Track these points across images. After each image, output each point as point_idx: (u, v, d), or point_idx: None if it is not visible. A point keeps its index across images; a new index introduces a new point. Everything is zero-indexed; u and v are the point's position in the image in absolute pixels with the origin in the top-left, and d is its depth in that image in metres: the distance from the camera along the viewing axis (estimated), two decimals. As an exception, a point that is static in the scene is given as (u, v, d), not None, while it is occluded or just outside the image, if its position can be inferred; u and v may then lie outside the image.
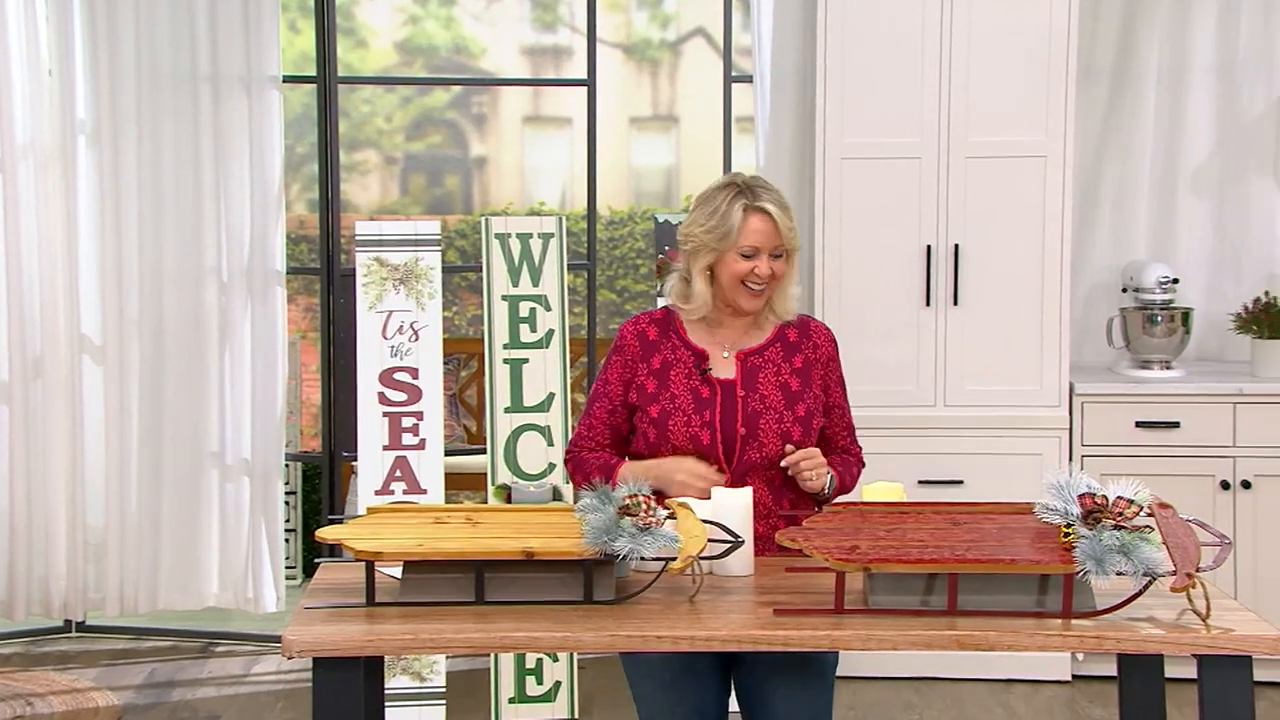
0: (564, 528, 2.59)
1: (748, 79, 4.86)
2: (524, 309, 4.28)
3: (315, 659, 2.43)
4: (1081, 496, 2.49)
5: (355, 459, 4.30)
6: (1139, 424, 4.41)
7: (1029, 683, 4.49)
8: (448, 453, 4.45)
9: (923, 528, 2.57)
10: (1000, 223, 4.40)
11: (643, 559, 2.50)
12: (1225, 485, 4.38)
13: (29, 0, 4.73)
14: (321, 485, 5.08)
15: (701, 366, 2.88)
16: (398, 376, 4.24)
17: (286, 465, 5.44)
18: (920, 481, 4.38)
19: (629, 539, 2.48)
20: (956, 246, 4.42)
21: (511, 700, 4.16)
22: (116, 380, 4.79)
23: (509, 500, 4.15)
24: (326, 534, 2.59)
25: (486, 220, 4.34)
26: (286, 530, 5.57)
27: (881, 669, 4.54)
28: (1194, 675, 2.42)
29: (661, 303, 3.11)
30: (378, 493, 4.20)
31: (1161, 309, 4.56)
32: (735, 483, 2.82)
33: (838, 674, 3.03)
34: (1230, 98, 4.78)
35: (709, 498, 2.71)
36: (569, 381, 4.30)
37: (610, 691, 4.51)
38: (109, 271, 4.78)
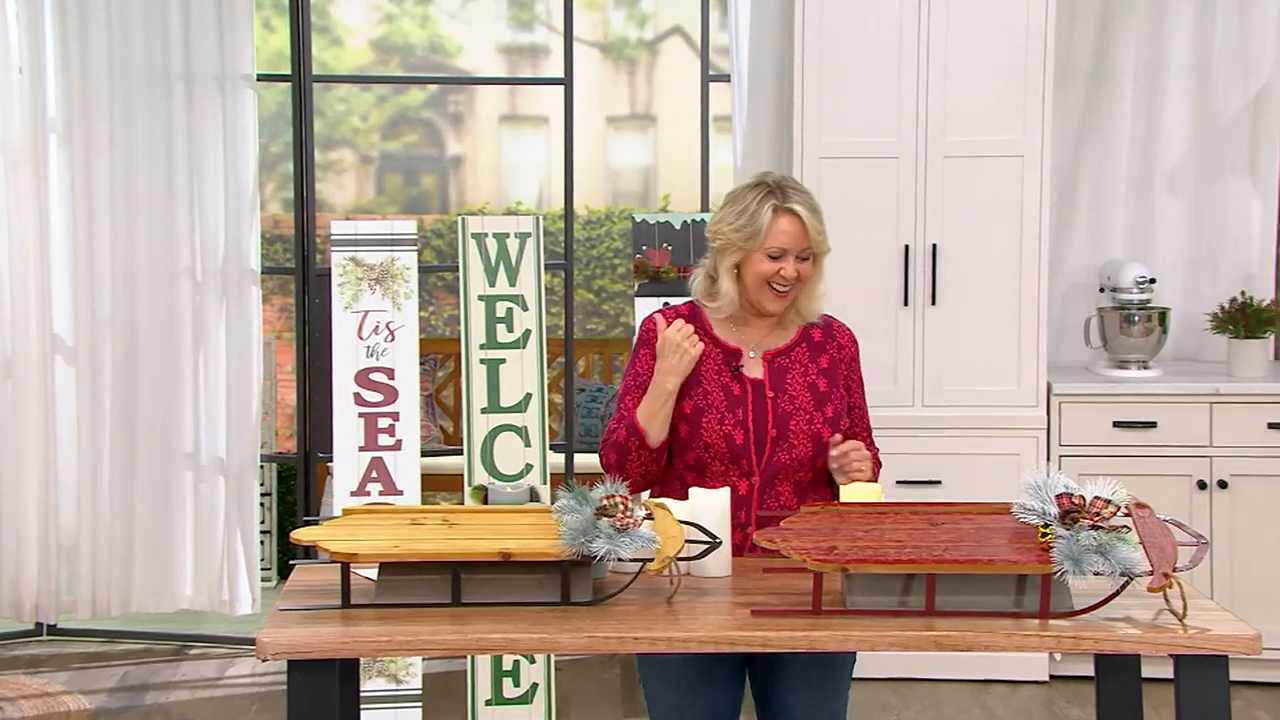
0: (541, 529, 2.58)
1: (725, 78, 4.85)
2: (501, 309, 4.27)
3: (290, 661, 2.41)
4: (1059, 496, 2.49)
5: (331, 460, 4.28)
6: (1116, 424, 4.42)
7: (1007, 683, 4.50)
8: (424, 454, 4.43)
9: (900, 528, 2.56)
10: (978, 222, 4.40)
11: (620, 560, 2.49)
12: (1202, 485, 4.39)
13: (0, -3, 4.70)
14: (297, 486, 5.05)
15: (733, 364, 2.86)
16: (374, 377, 4.21)
17: (261, 466, 5.40)
18: (898, 481, 4.37)
19: (606, 540, 2.47)
20: (934, 246, 4.42)
21: (488, 702, 4.14)
22: (89, 381, 4.76)
23: (486, 501, 4.12)
24: (302, 535, 2.57)
25: (463, 220, 4.32)
26: (261, 532, 5.52)
27: (859, 670, 4.50)
28: (1171, 675, 2.42)
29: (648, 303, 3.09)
30: (353, 494, 4.18)
31: (1139, 309, 4.57)
32: (764, 484, 2.81)
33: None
34: (1206, 97, 4.79)
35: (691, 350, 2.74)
36: (546, 382, 4.28)
37: (588, 693, 4.50)
38: (81, 271, 4.75)
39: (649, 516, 2.56)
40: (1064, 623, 2.45)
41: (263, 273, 4.84)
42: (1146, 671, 2.76)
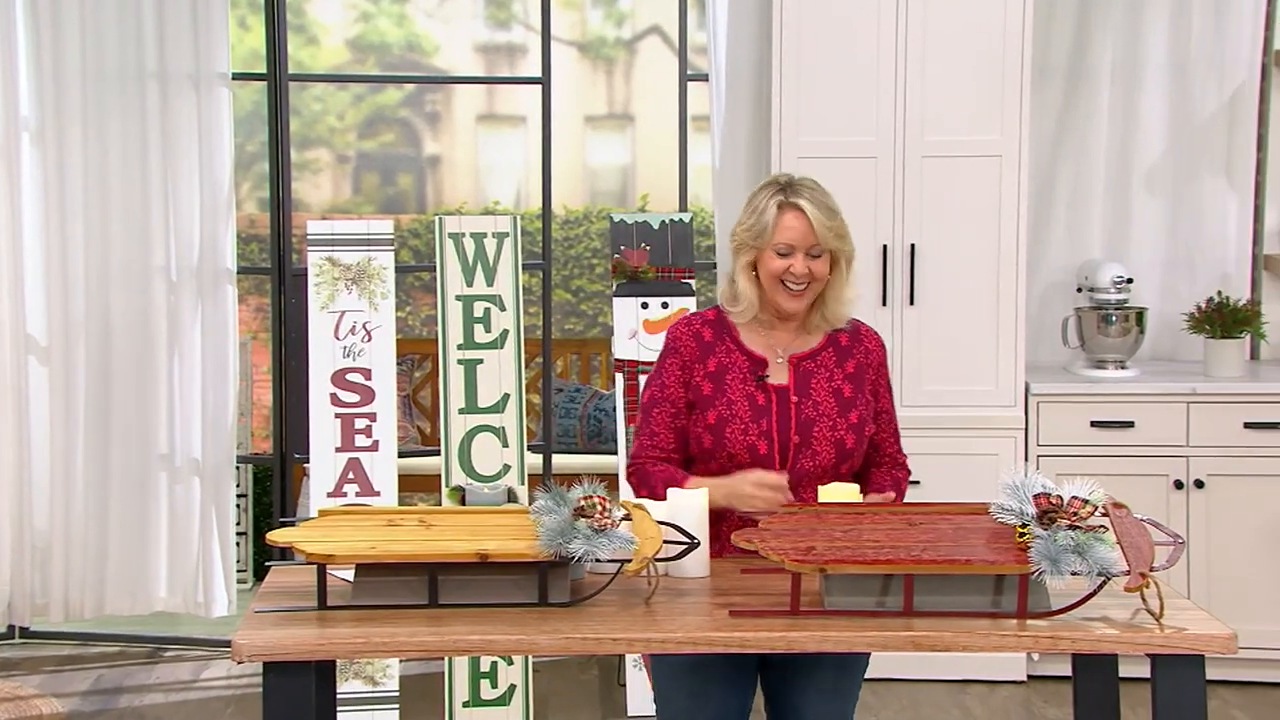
0: (519, 530, 2.57)
1: (703, 77, 4.85)
2: (478, 309, 4.25)
3: (266, 663, 2.40)
4: (1037, 497, 2.49)
5: (307, 461, 4.26)
6: (1094, 424, 4.43)
7: (985, 683, 4.51)
8: (401, 454, 4.41)
9: (878, 528, 2.56)
10: (956, 222, 4.41)
11: (598, 561, 2.48)
12: (1179, 485, 4.41)
13: (-28, -5, 4.66)
14: (273, 487, 5.03)
15: (759, 373, 2.84)
16: (350, 377, 4.19)
17: (237, 467, 5.38)
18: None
19: (584, 541, 2.46)
20: (913, 246, 4.42)
21: (466, 704, 4.13)
22: (62, 381, 4.72)
23: (463, 502, 4.11)
24: (278, 537, 2.55)
25: (440, 219, 4.31)
26: (237, 533, 5.50)
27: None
28: (1148, 674, 2.43)
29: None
30: (330, 495, 4.16)
31: (1116, 309, 4.58)
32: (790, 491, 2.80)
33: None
34: (1183, 97, 4.81)
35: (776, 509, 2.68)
36: (524, 382, 4.27)
37: (565, 694, 4.49)
38: (54, 271, 4.71)
39: (627, 517, 2.56)
40: (1042, 623, 2.45)
41: (238, 273, 4.81)
42: (1124, 671, 2.76)
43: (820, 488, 2.79)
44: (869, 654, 2.81)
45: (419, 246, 7.85)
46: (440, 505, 4.28)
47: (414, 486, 5.41)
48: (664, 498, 2.76)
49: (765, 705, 2.88)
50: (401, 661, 4.33)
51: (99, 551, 4.78)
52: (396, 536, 2.55)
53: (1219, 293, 4.68)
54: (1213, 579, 4.40)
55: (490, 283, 4.27)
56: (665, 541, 2.55)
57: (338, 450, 4.18)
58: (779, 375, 2.86)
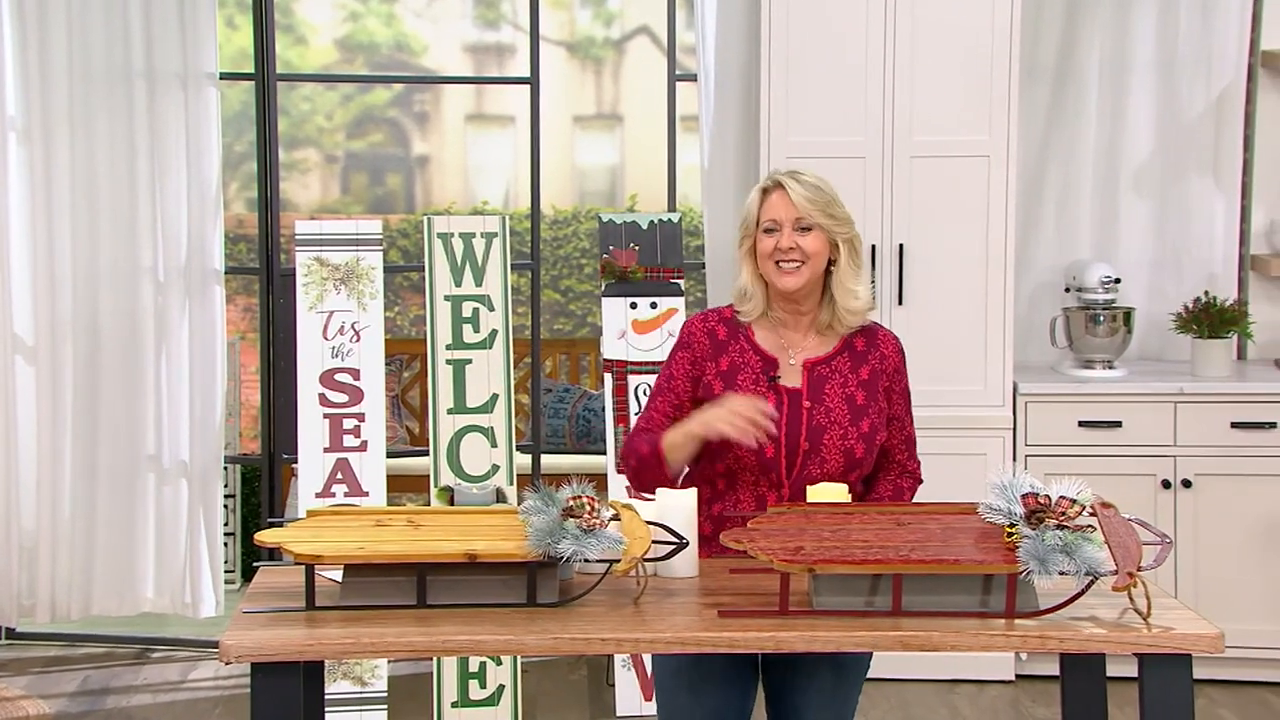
0: (507, 530, 2.57)
1: (692, 77, 4.85)
2: (467, 309, 4.25)
3: (254, 664, 2.40)
4: (1025, 496, 2.49)
5: (295, 461, 4.25)
6: (1082, 423, 4.44)
7: (973, 683, 4.51)
8: (390, 455, 4.41)
9: (867, 528, 2.56)
10: (944, 222, 4.41)
11: (587, 561, 2.48)
12: (1166, 484, 4.42)
13: (-41, -6, 4.64)
14: (261, 488, 5.02)
15: (771, 374, 2.84)
16: (339, 378, 4.19)
17: (225, 468, 5.37)
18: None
19: (573, 541, 2.46)
20: (901, 246, 4.43)
21: (454, 704, 4.12)
22: (49, 381, 4.71)
23: (451, 502, 4.11)
24: (266, 537, 2.55)
25: (429, 219, 4.30)
26: (225, 534, 5.49)
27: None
28: (1136, 674, 2.43)
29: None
30: (318, 495, 4.15)
31: (1104, 309, 4.59)
32: (793, 496, 2.79)
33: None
34: (1171, 97, 4.82)
35: (754, 441, 2.69)
36: (512, 382, 4.27)
37: (554, 694, 4.49)
38: (41, 271, 4.70)
39: (615, 517, 2.55)
40: (1030, 622, 2.46)
41: (226, 273, 4.80)
42: (1111, 670, 2.77)
43: (809, 488, 2.79)
44: (870, 657, 2.81)
45: (408, 246, 7.84)
46: (429, 505, 4.27)
47: (402, 487, 5.41)
48: (645, 452, 2.78)
49: (766, 706, 2.88)
50: (390, 662, 4.32)
51: (86, 552, 4.76)
52: (385, 537, 2.55)
53: (1206, 293, 4.69)
54: (1200, 579, 4.41)
55: (479, 283, 4.27)
56: (654, 541, 2.55)
57: (326, 450, 4.17)
58: (791, 378, 2.85)
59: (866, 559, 2.45)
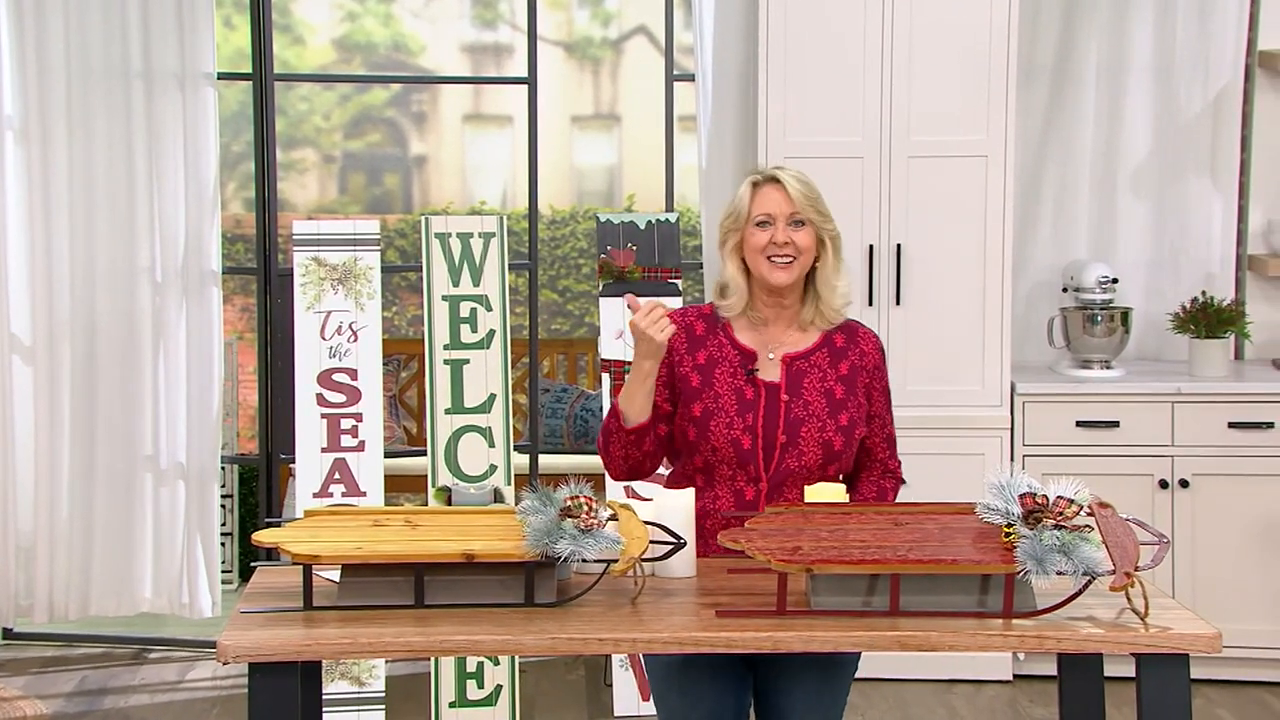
0: (505, 530, 2.56)
1: (690, 78, 4.85)
2: (465, 309, 4.25)
3: (251, 664, 2.39)
4: (1022, 496, 2.49)
5: (293, 461, 4.25)
6: (1079, 423, 4.44)
7: (971, 683, 4.51)
8: (387, 455, 4.40)
9: (865, 528, 2.56)
10: (942, 222, 4.41)
11: (584, 561, 2.48)
12: (1164, 484, 4.42)
13: (-44, -7, 4.64)
14: (259, 488, 5.02)
15: (748, 366, 2.84)
16: (336, 378, 4.19)
17: (223, 468, 5.37)
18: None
19: (570, 541, 2.46)
20: (899, 246, 4.43)
21: (452, 704, 4.12)
22: (47, 381, 4.70)
23: (449, 502, 4.11)
24: (263, 537, 2.55)
25: (426, 219, 4.30)
26: (223, 534, 5.49)
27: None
28: (1133, 674, 2.43)
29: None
30: (316, 495, 4.15)
31: (1101, 309, 4.59)
32: (771, 489, 2.80)
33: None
34: (1168, 98, 4.82)
35: (671, 328, 2.72)
36: (510, 382, 4.27)
37: (552, 695, 4.49)
38: (39, 270, 4.69)
39: (613, 517, 2.55)
40: (1027, 622, 2.46)
41: (224, 273, 4.80)
42: (1109, 670, 2.77)
43: (807, 488, 2.79)
44: (858, 657, 2.81)
45: (405, 246, 7.84)
46: (426, 505, 4.27)
47: (400, 487, 5.40)
48: (606, 421, 2.80)
49: (754, 707, 2.88)
50: (388, 662, 4.32)
51: (84, 552, 4.76)
52: (382, 537, 2.55)
53: (1204, 293, 4.70)
54: (1197, 578, 4.41)
55: (476, 283, 4.26)
56: (652, 541, 2.55)
57: (323, 450, 4.17)
58: (770, 372, 2.85)
59: (864, 559, 2.45)
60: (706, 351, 2.86)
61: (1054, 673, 2.86)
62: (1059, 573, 2.41)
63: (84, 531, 4.75)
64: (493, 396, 4.23)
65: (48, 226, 4.69)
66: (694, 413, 2.81)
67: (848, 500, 2.78)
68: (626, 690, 4.29)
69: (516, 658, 4.18)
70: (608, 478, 4.36)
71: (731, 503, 2.80)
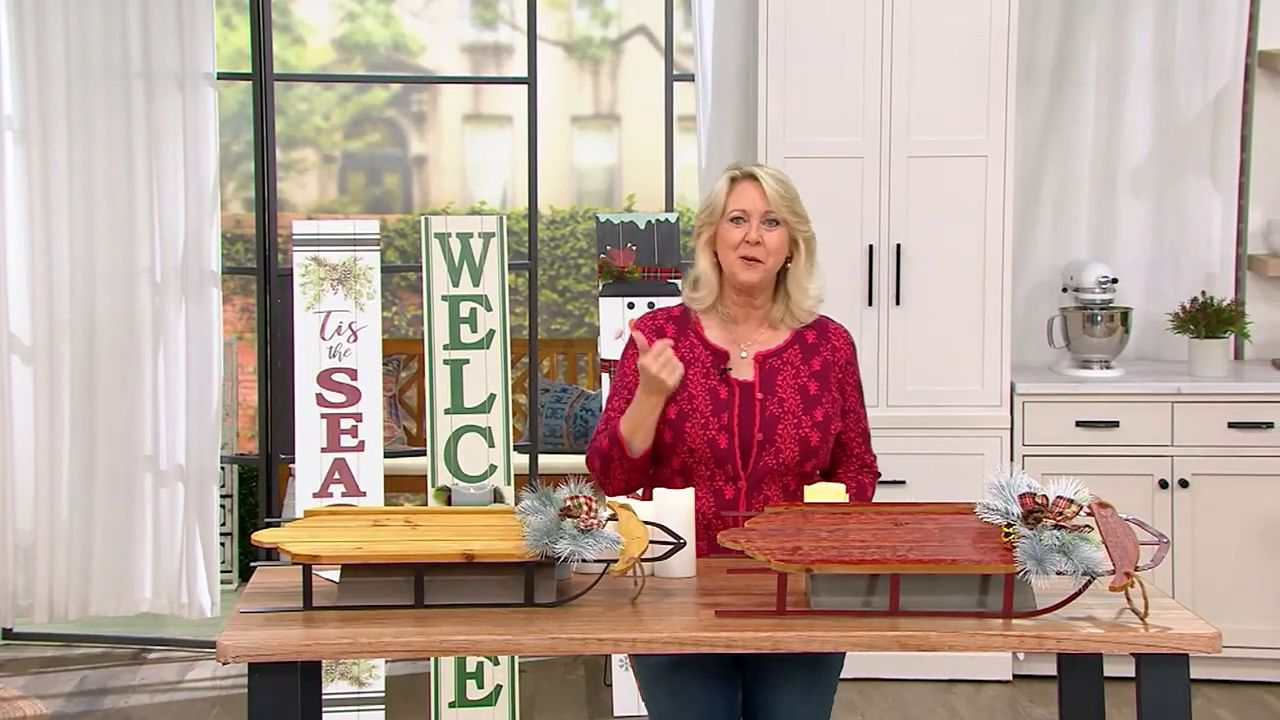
0: (505, 530, 2.56)
1: (690, 77, 4.85)
2: (464, 309, 4.25)
3: (251, 664, 2.39)
4: (1022, 496, 2.49)
5: (293, 461, 4.25)
6: (1079, 423, 4.44)
7: (971, 683, 4.51)
8: (387, 455, 4.40)
9: (865, 528, 2.56)
10: (942, 222, 4.41)
11: (584, 561, 2.48)
12: (1163, 484, 4.42)
13: (-44, -7, 4.64)
14: (258, 488, 5.02)
15: (721, 366, 2.84)
16: (336, 378, 4.19)
17: (223, 468, 5.37)
18: (862, 481, 4.37)
19: (570, 541, 2.46)
20: (899, 246, 4.43)
21: (452, 704, 4.12)
22: (47, 382, 4.70)
23: (449, 502, 4.11)
24: (263, 537, 2.55)
25: (426, 219, 4.30)
26: (223, 534, 5.49)
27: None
28: (1133, 674, 2.43)
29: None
30: (316, 495, 4.15)
31: (1101, 309, 4.59)
32: (750, 488, 2.80)
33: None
34: (1168, 98, 4.82)
35: (680, 371, 2.73)
36: (510, 382, 4.27)
37: (551, 695, 4.49)
38: (39, 271, 4.69)
39: (613, 517, 2.55)
40: (1027, 622, 2.46)
41: (224, 273, 4.80)
42: (1109, 670, 2.77)
43: (807, 488, 2.79)
44: (843, 655, 2.81)
45: (405, 246, 7.84)
46: (426, 505, 4.27)
47: (400, 487, 5.40)
48: (605, 446, 2.80)
49: (742, 705, 2.87)
50: (387, 662, 4.32)
51: (83, 552, 4.76)
52: (382, 537, 2.55)
53: (1203, 293, 4.70)
54: (1197, 578, 4.41)
55: (476, 283, 4.26)
56: (651, 541, 2.55)
57: (323, 450, 4.17)
58: (744, 371, 2.86)
59: (864, 559, 2.45)
60: (678, 353, 2.86)
61: (1054, 673, 2.85)
62: (1059, 573, 2.41)
63: (84, 531, 4.75)
64: (492, 396, 4.23)
65: (48, 226, 4.69)
66: (669, 415, 2.82)
67: (847, 500, 2.78)
68: (626, 690, 4.29)
69: (516, 658, 4.18)
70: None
71: (711, 503, 2.81)
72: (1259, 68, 4.78)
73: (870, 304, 4.43)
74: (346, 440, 4.16)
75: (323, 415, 4.17)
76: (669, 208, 4.90)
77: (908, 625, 2.43)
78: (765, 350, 2.87)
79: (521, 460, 4.88)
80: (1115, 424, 4.44)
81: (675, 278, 4.53)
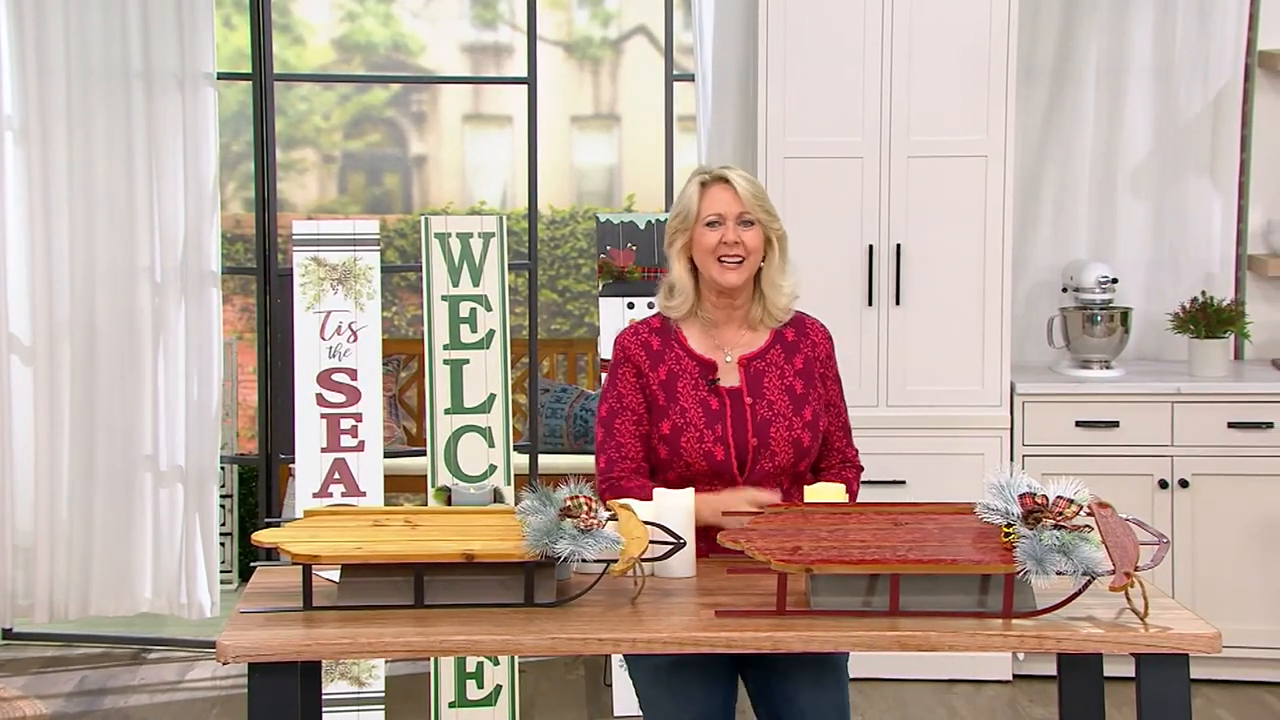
0: (505, 530, 2.56)
1: (690, 78, 4.85)
2: (464, 309, 4.24)
3: (251, 664, 2.39)
4: (1022, 496, 2.49)
5: (293, 461, 4.25)
6: (1079, 423, 4.44)
7: (971, 683, 4.51)
8: (387, 455, 4.40)
9: (865, 528, 2.56)
10: (942, 222, 4.41)
11: (584, 561, 2.48)
12: (1163, 484, 4.42)
13: (-44, -7, 4.64)
14: (258, 488, 5.02)
15: (710, 378, 2.84)
16: (336, 378, 4.19)
17: (222, 468, 5.37)
18: (862, 482, 4.37)
19: (570, 541, 2.46)
20: (898, 246, 4.43)
21: (452, 704, 4.12)
22: (47, 382, 4.70)
23: (449, 502, 4.11)
24: (263, 537, 2.55)
25: (426, 219, 4.30)
26: (222, 534, 5.49)
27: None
28: (1133, 674, 2.43)
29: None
30: (315, 495, 4.15)
31: (1101, 309, 4.59)
32: None
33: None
34: (1168, 98, 4.83)
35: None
36: (510, 382, 4.27)
37: (551, 695, 4.49)
38: (39, 271, 4.69)
39: (613, 517, 2.55)
40: (1027, 622, 2.46)
41: (224, 273, 4.80)
42: (1109, 670, 2.77)
43: (807, 488, 2.79)
44: (846, 654, 2.80)
45: (405, 246, 7.84)
46: (426, 505, 4.27)
47: (400, 487, 5.40)
48: (633, 488, 2.78)
49: (753, 706, 2.87)
50: (387, 662, 4.32)
51: (83, 552, 4.76)
52: (382, 537, 2.55)
53: (1203, 293, 4.70)
54: (1197, 578, 4.41)
55: (476, 283, 4.26)
56: (651, 541, 2.55)
57: (323, 450, 4.17)
58: (730, 377, 2.86)
59: (864, 559, 2.45)
60: (666, 365, 2.86)
61: (1054, 673, 2.86)
62: (1059, 573, 2.41)
63: (83, 532, 4.75)
64: (492, 396, 4.23)
65: (47, 226, 4.69)
66: (663, 430, 2.82)
67: (845, 500, 2.78)
68: (626, 690, 4.29)
69: (516, 658, 4.18)
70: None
71: None
72: (1259, 68, 4.78)
73: (870, 304, 4.43)
74: (346, 440, 4.16)
75: (323, 415, 4.17)
76: (669, 208, 4.90)
77: (908, 625, 2.43)
78: (748, 354, 2.88)
79: (521, 460, 4.88)
80: (1115, 424, 4.44)
81: (675, 278, 4.52)
